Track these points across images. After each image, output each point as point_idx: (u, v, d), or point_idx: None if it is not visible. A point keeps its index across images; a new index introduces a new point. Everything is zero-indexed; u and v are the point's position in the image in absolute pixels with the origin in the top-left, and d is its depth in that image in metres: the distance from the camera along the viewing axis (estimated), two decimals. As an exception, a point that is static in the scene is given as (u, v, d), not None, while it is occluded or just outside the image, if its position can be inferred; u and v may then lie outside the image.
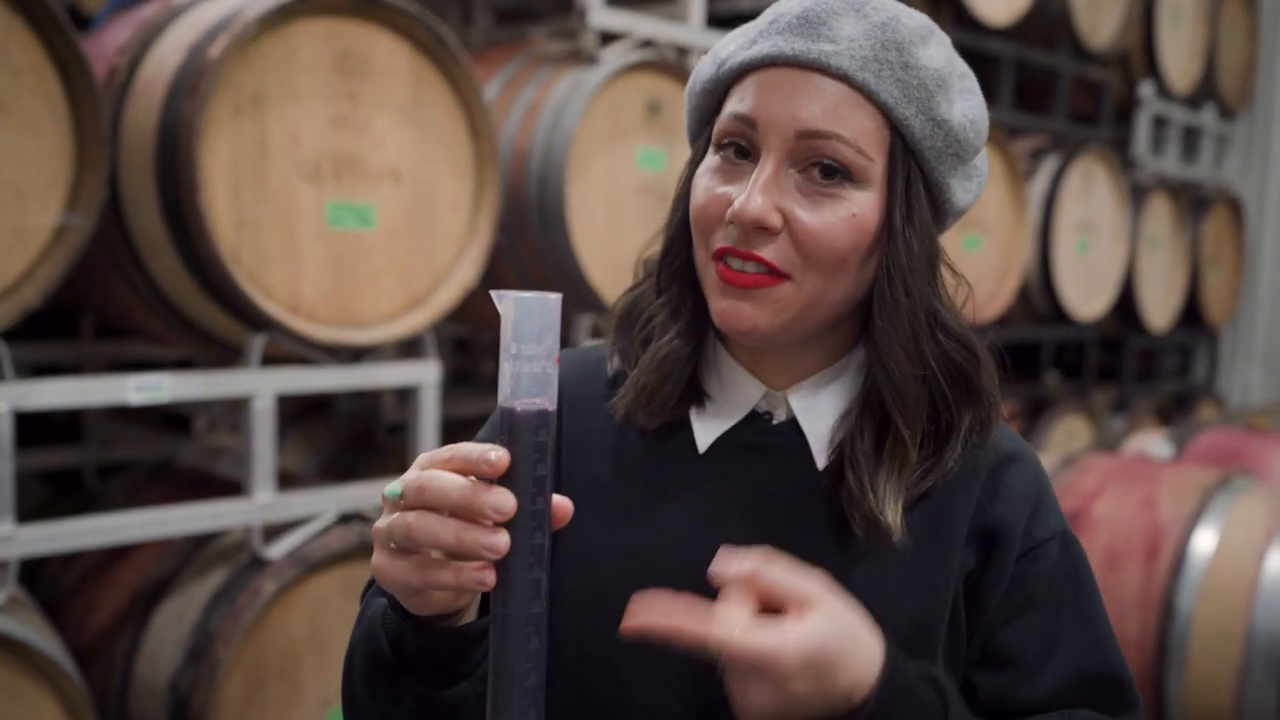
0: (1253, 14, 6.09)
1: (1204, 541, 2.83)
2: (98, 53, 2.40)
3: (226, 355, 2.50)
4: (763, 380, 0.99)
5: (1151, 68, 5.13)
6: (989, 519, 0.96)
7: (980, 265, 4.09)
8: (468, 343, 4.03)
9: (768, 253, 0.89)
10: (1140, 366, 5.53)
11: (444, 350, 3.76)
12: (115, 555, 2.57)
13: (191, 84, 2.10)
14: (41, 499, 3.08)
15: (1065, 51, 4.60)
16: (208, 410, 2.81)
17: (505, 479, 0.72)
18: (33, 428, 2.70)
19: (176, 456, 2.95)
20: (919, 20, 0.93)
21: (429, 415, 2.59)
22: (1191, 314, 5.57)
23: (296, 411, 3.68)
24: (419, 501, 0.74)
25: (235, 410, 2.48)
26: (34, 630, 2.09)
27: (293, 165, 2.25)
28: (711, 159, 0.95)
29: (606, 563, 0.97)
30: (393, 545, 0.76)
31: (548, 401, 0.72)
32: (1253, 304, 6.27)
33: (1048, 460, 3.37)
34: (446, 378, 3.56)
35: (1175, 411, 5.65)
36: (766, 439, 0.98)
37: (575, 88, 2.79)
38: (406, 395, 2.64)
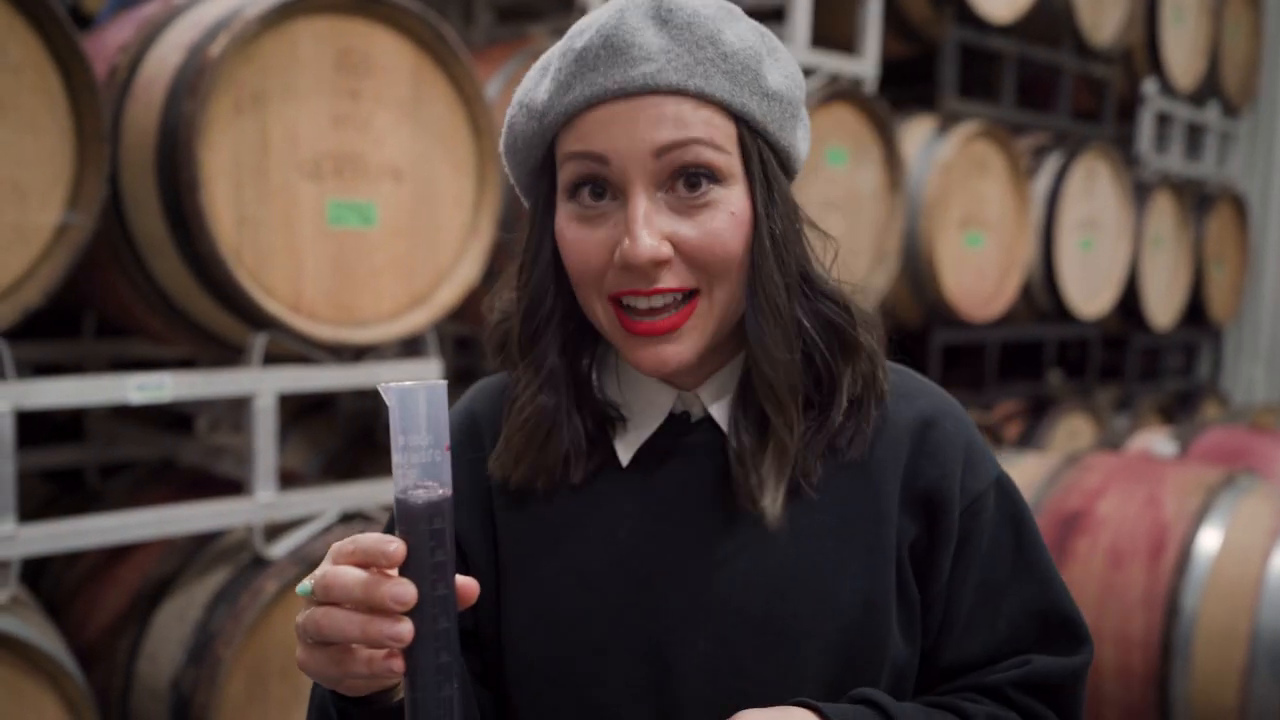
0: (1257, 11, 6.08)
1: (1208, 540, 2.81)
2: (98, 51, 2.40)
3: (228, 354, 2.50)
4: (672, 384, 0.99)
5: (1155, 65, 5.12)
6: (923, 483, 0.96)
7: (983, 263, 4.08)
8: (469, 341, 4.03)
9: (669, 280, 0.89)
10: (1144, 365, 5.52)
11: (446, 348, 3.76)
12: (117, 554, 2.57)
13: (192, 82, 2.09)
14: (43, 498, 3.08)
15: (1068, 48, 4.59)
16: (209, 409, 2.80)
17: (405, 568, 0.73)
18: (34, 427, 2.70)
19: (178, 456, 2.95)
20: (712, 3, 0.92)
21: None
22: (1195, 312, 5.56)
23: (298, 410, 3.67)
24: (326, 598, 0.75)
25: (237, 409, 2.48)
26: (36, 630, 2.08)
27: (294, 163, 2.25)
28: (566, 209, 0.92)
29: (550, 585, 0.98)
30: (309, 640, 0.77)
31: (440, 488, 0.73)
32: (1257, 302, 6.26)
33: (1050, 460, 3.36)
34: (448, 376, 3.56)
35: (1179, 410, 5.64)
36: (686, 439, 0.98)
37: (577, 86, 2.78)
38: (408, 394, 2.63)
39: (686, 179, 0.89)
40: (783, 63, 0.95)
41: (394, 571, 0.74)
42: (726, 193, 0.90)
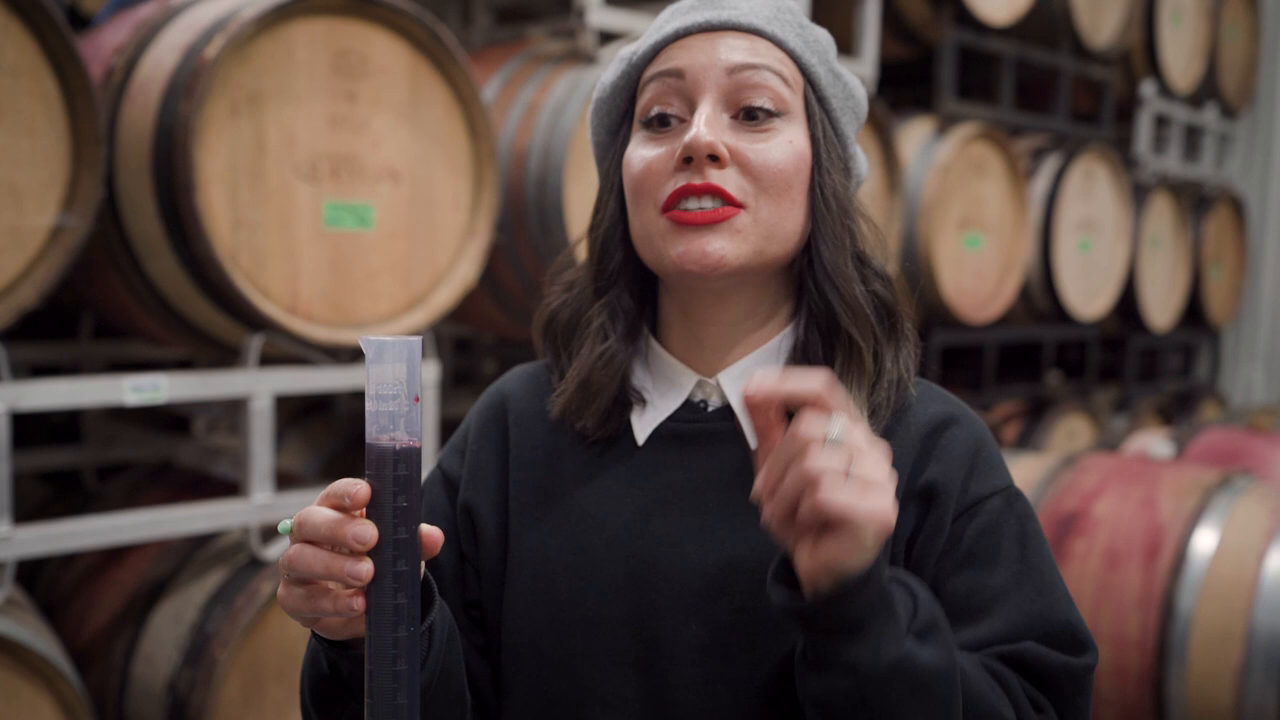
0: (1254, 12, 6.08)
1: (1204, 541, 2.82)
2: (94, 53, 2.40)
3: (224, 355, 2.50)
4: (695, 369, 1.02)
5: (1153, 66, 5.12)
6: (924, 480, 0.97)
7: (981, 264, 4.09)
8: (468, 342, 4.03)
9: (722, 181, 0.94)
10: (1142, 366, 5.52)
11: (444, 350, 3.76)
12: (113, 556, 2.57)
13: (188, 84, 2.09)
14: (39, 499, 3.08)
15: (1066, 50, 4.59)
16: (206, 411, 2.81)
17: (370, 511, 0.77)
18: (31, 428, 2.70)
19: (175, 457, 2.95)
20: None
21: (429, 415, 2.59)
22: (1193, 313, 5.56)
23: (296, 412, 3.68)
24: (300, 535, 0.79)
25: (233, 411, 2.48)
26: (31, 631, 2.08)
27: (290, 165, 2.25)
28: (637, 137, 1.00)
29: (555, 563, 1.00)
30: (286, 577, 0.81)
31: (407, 437, 0.77)
32: (1255, 303, 6.26)
33: (1048, 461, 3.36)
34: (446, 378, 3.56)
35: (1177, 411, 5.64)
36: (702, 426, 1.01)
37: (574, 87, 2.78)
38: (405, 395, 2.63)
39: (748, 112, 0.96)
40: (849, 74, 1.05)
41: (361, 514, 0.78)
42: (787, 127, 0.97)
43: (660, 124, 0.97)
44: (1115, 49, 4.78)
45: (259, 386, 2.31)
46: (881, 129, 3.52)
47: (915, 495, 0.96)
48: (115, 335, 3.15)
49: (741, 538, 0.96)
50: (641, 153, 0.98)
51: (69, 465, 3.14)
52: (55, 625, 2.45)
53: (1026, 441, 4.45)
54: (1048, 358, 4.71)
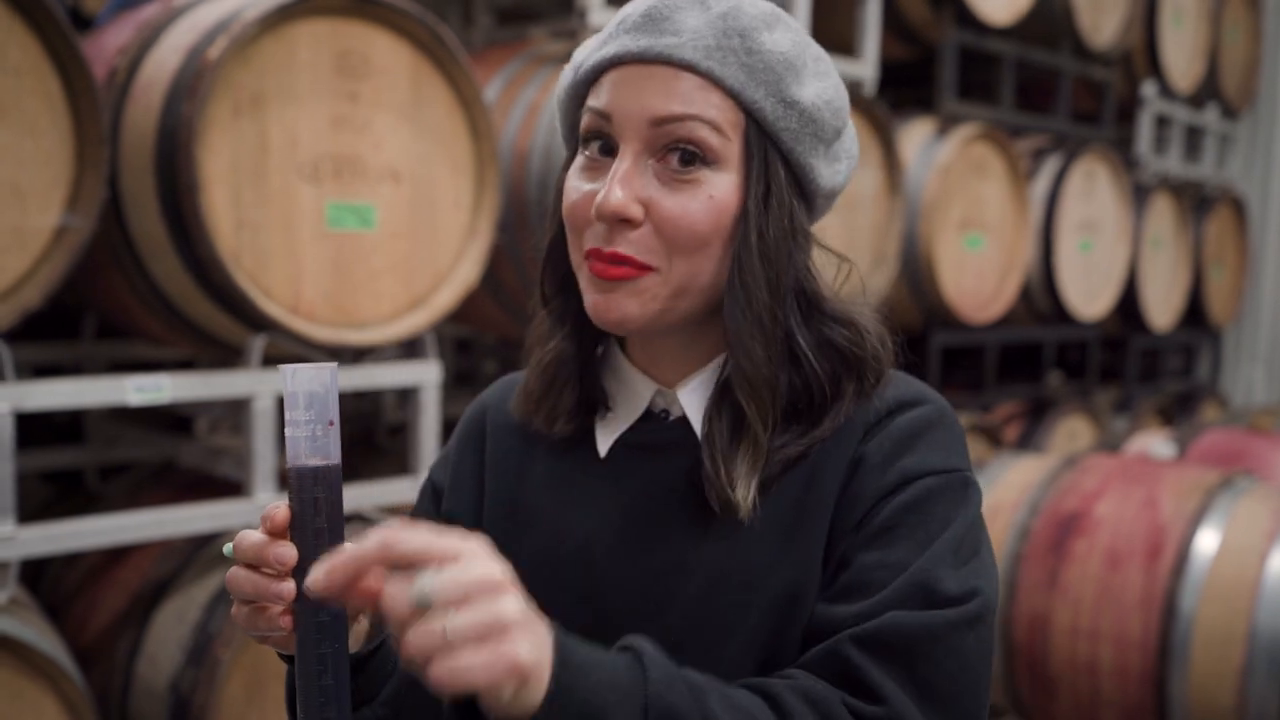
0: (1255, 13, 6.08)
1: (1206, 542, 2.82)
2: (97, 54, 2.40)
3: (227, 356, 2.50)
4: (656, 379, 1.02)
5: (1154, 67, 5.12)
6: (854, 455, 0.95)
7: (982, 265, 4.09)
8: (469, 343, 4.03)
9: (630, 248, 0.92)
10: (1143, 366, 5.53)
11: (445, 350, 3.76)
12: (116, 556, 2.57)
13: (191, 85, 2.10)
14: (42, 500, 3.09)
15: (1067, 51, 4.59)
16: (208, 411, 2.81)
17: (293, 533, 0.81)
18: (34, 428, 2.70)
19: (177, 457, 2.95)
20: (762, 7, 0.95)
21: (430, 416, 2.59)
22: (1194, 314, 5.56)
23: (298, 412, 3.67)
24: (236, 558, 0.83)
25: (236, 411, 2.48)
26: (35, 631, 2.09)
27: (292, 166, 2.25)
28: (579, 159, 0.98)
29: (522, 572, 0.97)
30: (233, 597, 0.85)
31: (322, 460, 0.80)
32: (1256, 304, 6.26)
33: (1048, 462, 3.36)
34: (447, 378, 3.56)
35: (1178, 412, 5.64)
36: (661, 436, 1.01)
37: (576, 88, 2.78)
38: (407, 396, 2.64)
39: (681, 155, 0.92)
40: (823, 86, 0.96)
41: (286, 536, 0.81)
42: (714, 177, 0.93)
43: (599, 151, 0.95)
44: (1116, 49, 4.79)
45: (262, 387, 2.31)
46: (882, 129, 3.52)
47: (845, 466, 0.95)
48: (117, 336, 3.15)
49: (696, 544, 0.96)
50: (575, 183, 0.96)
51: (71, 465, 3.14)
52: (59, 625, 2.45)
53: (1027, 442, 4.46)
54: (1048, 358, 4.71)
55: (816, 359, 0.96)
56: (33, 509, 2.81)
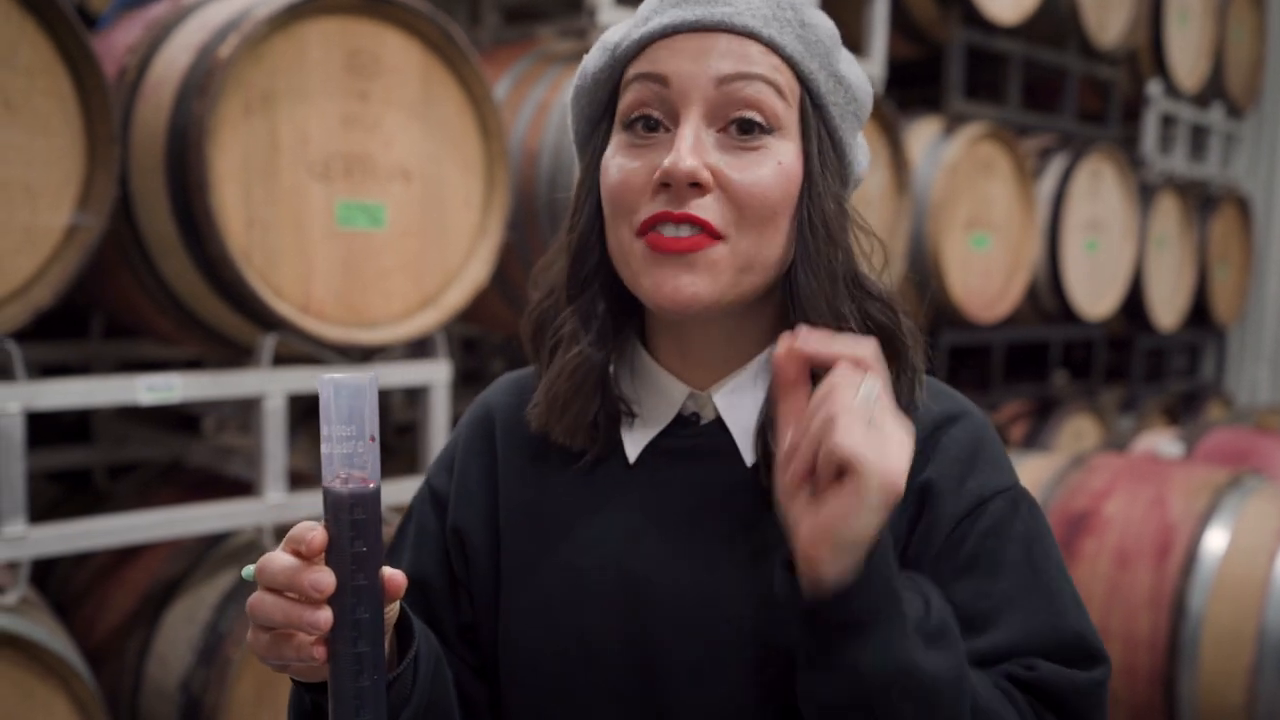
0: (1261, 12, 6.08)
1: (1215, 541, 2.82)
2: (107, 52, 2.40)
3: (237, 355, 2.50)
4: (686, 381, 0.97)
5: (1160, 66, 5.12)
6: (920, 479, 0.92)
7: (989, 264, 4.09)
8: (477, 342, 4.03)
9: (702, 210, 0.87)
10: (1148, 366, 5.52)
11: (453, 349, 3.76)
12: (125, 555, 2.57)
13: (202, 83, 2.10)
14: (51, 499, 3.08)
15: (1073, 50, 4.59)
16: (218, 410, 2.81)
17: (329, 557, 0.75)
18: (43, 428, 2.70)
19: (186, 456, 2.95)
20: None
21: (439, 415, 2.59)
22: (1200, 313, 5.56)
23: (306, 411, 3.67)
24: (260, 582, 0.77)
25: (246, 410, 2.48)
26: (45, 630, 2.08)
27: (303, 165, 2.25)
28: (618, 139, 0.92)
29: (547, 582, 0.97)
30: (253, 623, 0.79)
31: (364, 480, 0.75)
32: (1261, 303, 6.26)
33: (1056, 461, 3.36)
34: (456, 377, 3.56)
35: (1183, 411, 5.64)
36: (695, 441, 0.96)
37: (585, 87, 2.78)
38: (416, 395, 2.64)
39: (740, 124, 0.89)
40: (855, 68, 0.97)
41: (321, 560, 0.76)
42: (778, 144, 0.90)
43: (644, 128, 0.90)
44: (1122, 49, 4.78)
45: (272, 386, 2.31)
46: (889, 129, 3.52)
47: (911, 495, 0.91)
48: (126, 335, 3.15)
49: (738, 558, 0.92)
50: (620, 161, 0.91)
51: (80, 465, 3.14)
52: (68, 624, 2.45)
53: (1033, 441, 4.45)
54: (1054, 357, 4.71)
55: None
56: (41, 508, 2.81)
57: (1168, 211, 5.11)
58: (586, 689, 0.95)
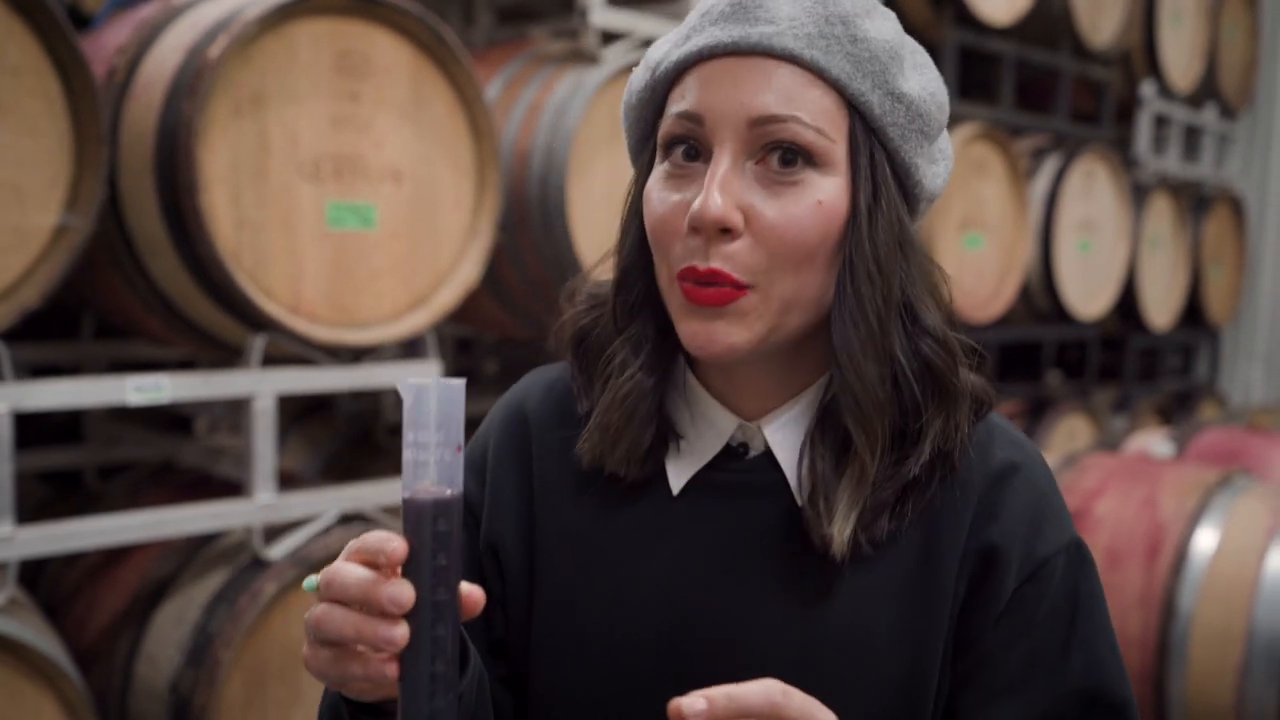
0: (1254, 13, 6.09)
1: (1205, 540, 2.82)
2: (97, 53, 2.40)
3: (227, 355, 2.50)
4: (736, 410, 0.93)
5: (1153, 67, 5.13)
6: (983, 541, 0.89)
7: (982, 264, 4.09)
8: (469, 343, 4.03)
9: (727, 264, 0.83)
10: (1142, 366, 5.53)
11: (445, 350, 3.76)
12: (115, 556, 2.57)
13: (191, 84, 2.10)
14: (41, 499, 3.08)
15: (1067, 51, 4.60)
16: (208, 411, 2.81)
17: (406, 569, 0.71)
18: (32, 428, 2.70)
19: (177, 457, 2.95)
20: None
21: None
22: (1193, 313, 5.57)
23: (297, 412, 3.68)
24: (328, 594, 0.72)
25: (236, 411, 2.48)
26: (34, 631, 2.08)
27: (293, 165, 2.25)
28: (660, 168, 0.89)
29: (585, 614, 0.94)
30: (312, 637, 0.74)
31: (448, 490, 0.71)
32: (1254, 303, 6.27)
33: (1050, 460, 3.36)
34: (448, 377, 3.56)
35: (1177, 411, 5.65)
36: (742, 476, 0.92)
37: (577, 87, 2.78)
38: (407, 395, 2.63)
39: (782, 154, 0.84)
40: (925, 78, 0.89)
41: (397, 573, 0.71)
42: (821, 179, 0.84)
43: (684, 156, 0.86)
44: (1115, 49, 4.79)
45: (262, 386, 2.31)
46: (882, 129, 3.52)
47: (973, 555, 0.88)
48: (116, 335, 3.15)
49: (784, 601, 0.89)
50: (661, 194, 0.87)
51: (70, 465, 3.14)
52: (57, 625, 2.44)
53: (1026, 441, 4.45)
54: (1048, 358, 4.71)
55: (915, 377, 0.88)
56: (31, 509, 2.81)
57: (1161, 212, 5.12)
58: (619, 717, 0.92)
